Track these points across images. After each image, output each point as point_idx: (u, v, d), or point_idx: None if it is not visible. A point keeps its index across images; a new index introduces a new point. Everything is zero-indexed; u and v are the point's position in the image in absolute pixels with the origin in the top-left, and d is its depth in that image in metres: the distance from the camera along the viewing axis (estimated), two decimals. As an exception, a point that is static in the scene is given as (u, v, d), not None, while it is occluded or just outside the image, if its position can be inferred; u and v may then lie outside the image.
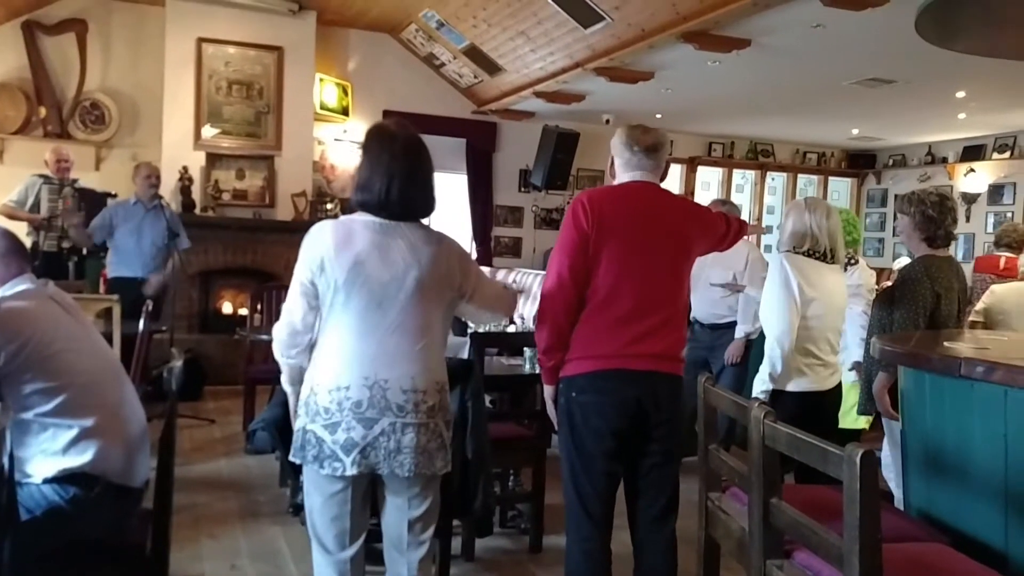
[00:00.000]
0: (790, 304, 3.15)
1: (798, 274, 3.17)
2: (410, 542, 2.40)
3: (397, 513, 2.39)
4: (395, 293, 2.27)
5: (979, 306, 4.48)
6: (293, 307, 2.33)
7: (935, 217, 3.41)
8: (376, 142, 2.36)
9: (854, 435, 4.03)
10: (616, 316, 2.52)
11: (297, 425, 2.33)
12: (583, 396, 2.55)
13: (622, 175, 2.66)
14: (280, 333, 2.36)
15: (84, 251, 6.31)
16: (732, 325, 4.83)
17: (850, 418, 3.93)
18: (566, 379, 2.60)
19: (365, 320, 2.26)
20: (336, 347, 2.27)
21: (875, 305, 3.64)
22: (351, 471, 2.24)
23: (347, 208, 2.38)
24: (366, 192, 2.30)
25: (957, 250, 9.70)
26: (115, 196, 6.54)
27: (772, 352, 3.18)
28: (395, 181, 2.28)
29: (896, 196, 10.78)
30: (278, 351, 2.40)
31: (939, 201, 3.43)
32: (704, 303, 4.87)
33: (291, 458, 2.34)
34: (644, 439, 2.57)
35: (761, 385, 3.20)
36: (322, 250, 2.26)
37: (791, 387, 3.21)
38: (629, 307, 2.52)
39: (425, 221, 2.41)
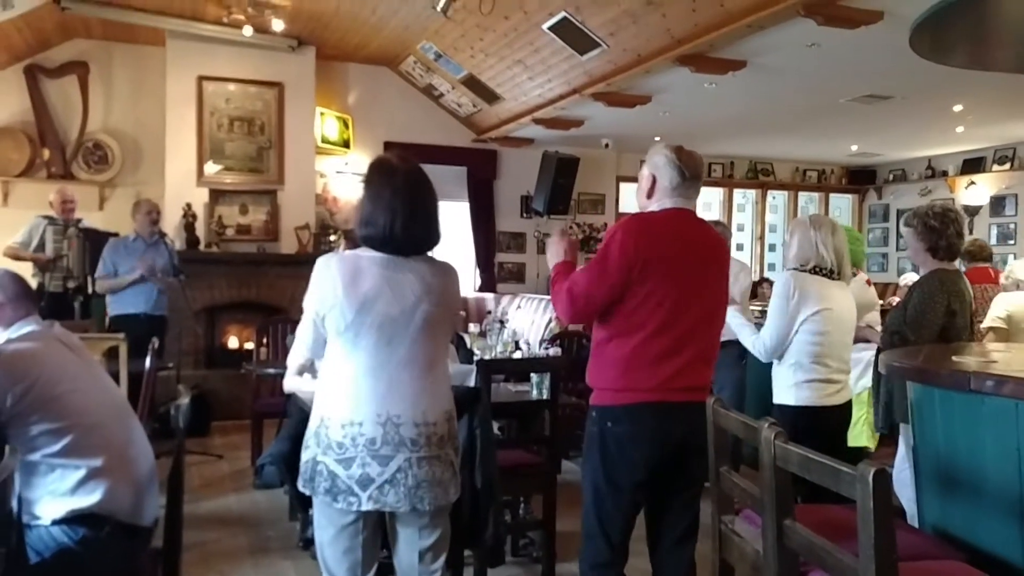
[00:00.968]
0: (784, 319, 3.21)
1: (801, 291, 3.18)
2: (422, 571, 2.39)
3: (408, 544, 2.38)
4: (404, 328, 2.26)
5: (1000, 312, 4.48)
6: (305, 337, 2.35)
7: (936, 227, 3.44)
8: (378, 176, 2.34)
9: (859, 453, 4.01)
10: (659, 351, 2.48)
11: (306, 456, 2.31)
12: (619, 427, 2.51)
13: (665, 199, 2.58)
14: (296, 360, 2.39)
15: (90, 291, 6.33)
16: (726, 344, 4.74)
17: (855, 435, 3.91)
18: (600, 408, 2.56)
19: (375, 357, 2.25)
20: (347, 383, 2.26)
21: (887, 319, 3.66)
22: (367, 506, 2.23)
23: (350, 242, 2.39)
24: (370, 227, 2.28)
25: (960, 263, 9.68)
26: (118, 236, 6.57)
27: (756, 347, 3.31)
28: (398, 216, 2.25)
29: (898, 211, 10.80)
30: (292, 372, 2.42)
31: (941, 213, 3.48)
32: None
33: (300, 489, 2.33)
34: (677, 468, 2.55)
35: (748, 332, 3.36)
36: (330, 288, 2.24)
37: (793, 401, 3.22)
38: (672, 342, 2.49)
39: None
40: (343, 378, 2.27)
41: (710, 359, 2.61)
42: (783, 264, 3.67)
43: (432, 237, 2.36)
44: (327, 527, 2.32)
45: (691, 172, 2.57)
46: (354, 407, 2.23)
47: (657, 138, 8.88)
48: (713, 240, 2.68)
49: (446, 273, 2.39)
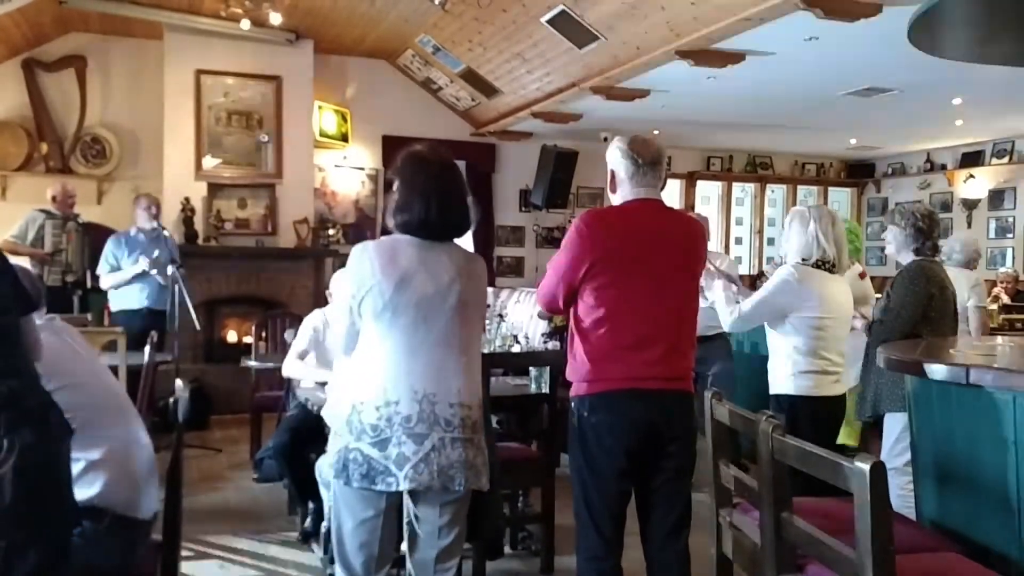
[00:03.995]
0: (771, 306, 3.25)
1: (804, 288, 3.18)
2: (437, 569, 2.42)
3: (426, 541, 2.41)
4: (439, 307, 2.31)
5: None
6: (341, 328, 2.41)
7: (924, 229, 3.57)
8: (411, 166, 2.41)
9: (841, 451, 4.01)
10: (627, 343, 2.51)
11: (337, 445, 2.32)
12: (595, 416, 2.54)
13: (625, 191, 2.61)
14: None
15: (88, 285, 6.33)
16: (718, 336, 4.71)
17: (841, 434, 3.94)
18: (578, 399, 2.59)
19: (412, 335, 2.29)
20: (383, 363, 2.29)
21: (873, 309, 3.71)
22: (404, 486, 2.25)
23: (384, 232, 2.45)
24: (406, 213, 2.34)
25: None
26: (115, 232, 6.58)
27: (725, 312, 3.32)
28: (433, 201, 2.33)
29: (897, 204, 10.78)
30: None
31: (928, 214, 3.64)
32: None
33: (333, 480, 2.34)
34: (657, 456, 2.56)
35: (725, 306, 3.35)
36: (367, 270, 2.29)
37: (793, 390, 3.23)
38: (639, 334, 2.51)
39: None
40: (379, 360, 2.30)
41: (685, 348, 2.61)
42: (780, 256, 3.70)
43: (464, 222, 2.44)
44: (348, 519, 2.34)
45: (645, 160, 2.57)
46: (390, 387, 2.26)
47: (656, 131, 8.88)
48: (682, 229, 2.68)
49: (476, 260, 2.48)
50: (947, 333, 3.52)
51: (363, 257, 2.31)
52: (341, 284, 2.37)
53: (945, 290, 3.55)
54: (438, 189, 2.35)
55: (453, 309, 2.33)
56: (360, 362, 2.35)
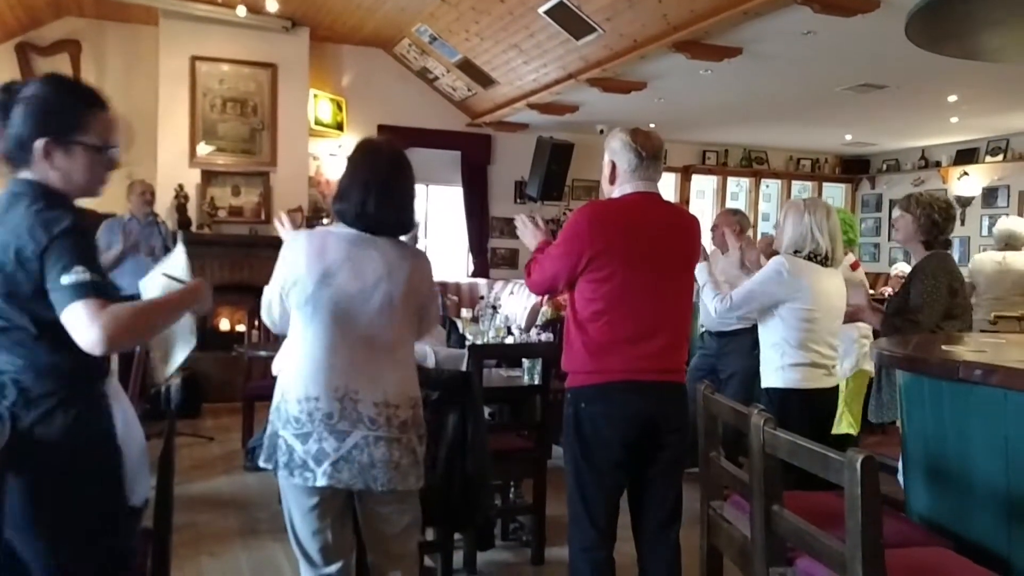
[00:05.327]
0: (759, 297, 3.25)
1: (793, 279, 3.19)
2: (393, 555, 2.42)
3: (377, 530, 2.40)
4: (362, 306, 2.27)
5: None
6: (273, 309, 2.38)
7: (939, 222, 3.49)
8: (359, 154, 2.39)
9: (843, 441, 4.03)
10: (627, 335, 2.52)
11: (268, 431, 2.33)
12: (593, 407, 2.55)
13: (626, 184, 2.60)
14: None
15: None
16: (739, 332, 4.76)
17: (843, 424, 3.95)
18: (575, 390, 2.60)
19: (331, 332, 2.26)
20: (305, 358, 2.28)
21: (887, 305, 3.68)
22: (321, 482, 2.23)
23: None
24: (343, 202, 2.32)
25: (953, 253, 9.72)
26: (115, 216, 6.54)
27: (715, 300, 3.30)
28: (371, 195, 2.29)
29: (891, 201, 10.81)
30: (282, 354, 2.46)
31: (946, 207, 3.53)
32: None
33: (261, 463, 2.34)
34: (653, 448, 2.58)
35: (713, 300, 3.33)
36: (296, 262, 2.29)
37: (781, 383, 3.24)
38: (636, 328, 2.52)
39: (404, 237, 2.43)
40: (302, 354, 2.28)
41: (681, 341, 2.65)
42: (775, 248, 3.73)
43: (404, 221, 2.38)
44: (294, 508, 2.35)
45: (648, 153, 2.58)
46: (310, 382, 2.25)
47: (652, 124, 8.87)
48: (681, 223, 2.70)
49: (414, 259, 2.39)
50: (968, 328, 3.49)
51: (296, 247, 2.31)
52: (276, 268, 2.36)
53: (962, 284, 3.50)
54: (380, 183, 2.29)
55: (377, 310, 2.28)
56: (288, 352, 2.35)
